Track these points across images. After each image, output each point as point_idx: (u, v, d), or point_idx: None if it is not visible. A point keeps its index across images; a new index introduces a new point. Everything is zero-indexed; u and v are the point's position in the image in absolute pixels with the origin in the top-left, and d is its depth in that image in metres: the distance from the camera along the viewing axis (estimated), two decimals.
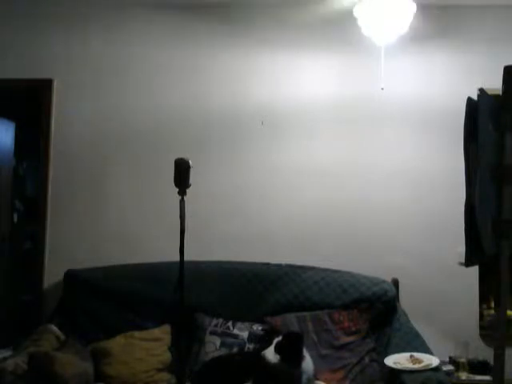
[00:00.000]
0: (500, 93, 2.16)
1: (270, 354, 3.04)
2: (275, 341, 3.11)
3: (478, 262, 2.98)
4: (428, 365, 3.15)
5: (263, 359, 3.05)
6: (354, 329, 3.43)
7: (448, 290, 3.81)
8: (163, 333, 3.54)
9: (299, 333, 3.23)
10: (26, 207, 6.11)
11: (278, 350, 3.04)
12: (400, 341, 3.45)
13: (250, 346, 3.41)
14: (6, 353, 3.26)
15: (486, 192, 2.14)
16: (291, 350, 3.04)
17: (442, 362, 3.38)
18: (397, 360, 3.23)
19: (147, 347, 3.45)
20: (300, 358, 3.04)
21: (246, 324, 3.51)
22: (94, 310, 3.66)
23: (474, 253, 2.21)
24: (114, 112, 4.11)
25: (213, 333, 3.47)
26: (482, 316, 3.86)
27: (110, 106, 4.11)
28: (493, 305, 3.83)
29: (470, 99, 2.29)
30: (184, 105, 4.09)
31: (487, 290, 3.86)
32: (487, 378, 3.45)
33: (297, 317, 3.50)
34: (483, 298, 3.87)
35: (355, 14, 3.68)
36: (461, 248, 2.31)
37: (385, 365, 3.23)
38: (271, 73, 4.06)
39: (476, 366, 3.56)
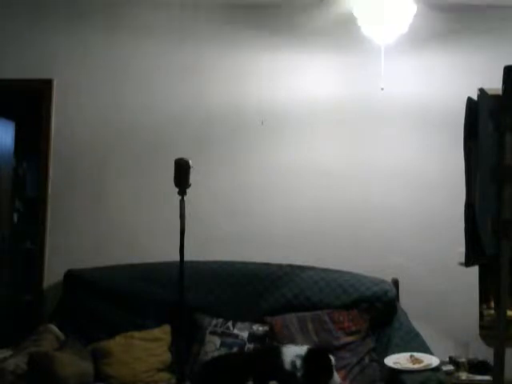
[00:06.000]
0: (500, 93, 2.16)
1: (290, 365, 3.04)
2: (299, 349, 3.10)
3: (478, 262, 2.98)
4: (428, 365, 3.15)
5: (280, 362, 3.05)
6: (354, 329, 3.43)
7: (448, 290, 3.81)
8: (163, 333, 3.54)
9: (327, 349, 3.21)
10: (25, 207, 6.11)
11: (304, 363, 3.02)
12: (400, 341, 3.45)
13: (249, 346, 3.41)
14: (6, 353, 3.25)
15: (486, 192, 2.14)
16: (317, 367, 3.03)
17: (442, 362, 3.38)
18: (397, 360, 3.23)
19: (147, 347, 3.45)
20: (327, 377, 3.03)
21: (246, 324, 3.50)
22: (94, 310, 3.66)
23: (474, 253, 2.21)
24: (114, 112, 4.11)
25: (213, 333, 3.47)
26: (482, 316, 3.86)
27: (110, 105, 4.11)
28: (493, 305, 3.83)
29: (470, 99, 2.29)
30: (184, 105, 4.09)
31: (487, 290, 3.86)
32: (487, 377, 3.44)
33: (297, 317, 3.50)
34: (483, 298, 3.86)
35: (355, 13, 3.69)
36: (461, 248, 2.31)
37: (385, 365, 3.23)
38: (271, 73, 4.06)
39: (476, 366, 3.56)
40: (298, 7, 3.98)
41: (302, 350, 3.12)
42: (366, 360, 3.34)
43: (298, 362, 3.05)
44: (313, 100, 4.02)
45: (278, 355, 3.10)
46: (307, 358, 3.06)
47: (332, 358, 3.10)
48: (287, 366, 3.05)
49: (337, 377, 3.09)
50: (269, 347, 3.35)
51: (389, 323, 3.55)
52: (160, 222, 3.92)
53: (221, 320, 3.53)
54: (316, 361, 3.06)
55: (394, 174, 3.97)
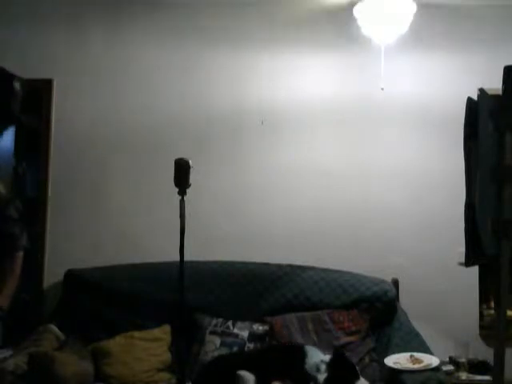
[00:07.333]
0: (500, 93, 2.16)
1: (313, 368, 3.02)
2: (325, 357, 3.09)
3: (478, 262, 2.98)
4: (428, 365, 3.15)
5: (302, 363, 3.04)
6: (354, 329, 3.43)
7: (448, 290, 3.81)
8: (163, 333, 3.54)
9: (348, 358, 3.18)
10: (26, 207, 6.10)
11: (329, 367, 3.01)
12: (400, 341, 3.45)
13: (250, 346, 3.41)
14: (6, 353, 3.25)
15: (485, 192, 2.14)
16: (343, 370, 3.02)
17: (442, 362, 3.38)
18: (397, 360, 3.23)
19: (147, 347, 3.45)
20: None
21: (246, 323, 3.50)
22: (93, 310, 3.66)
23: (474, 253, 2.21)
24: (114, 112, 4.11)
25: (213, 332, 3.47)
26: (482, 316, 3.86)
27: (110, 105, 4.11)
28: (493, 305, 3.83)
29: (470, 99, 2.29)
30: (184, 105, 4.08)
31: (487, 290, 3.86)
32: (487, 377, 3.44)
33: (297, 317, 3.51)
34: (483, 298, 3.86)
35: (355, 13, 3.69)
36: (461, 248, 2.32)
37: (385, 365, 3.23)
38: (271, 73, 4.06)
39: (476, 366, 3.55)
40: (299, 7, 3.98)
41: (325, 357, 3.10)
42: (366, 360, 3.34)
43: (323, 367, 3.02)
44: (313, 100, 4.02)
45: (302, 356, 3.08)
46: (332, 363, 3.04)
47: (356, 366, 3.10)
48: (309, 368, 3.02)
49: (364, 381, 3.07)
50: (293, 346, 3.28)
51: (389, 323, 3.55)
52: (160, 222, 3.92)
53: (221, 320, 3.53)
54: (342, 364, 3.04)
55: (394, 174, 3.97)
